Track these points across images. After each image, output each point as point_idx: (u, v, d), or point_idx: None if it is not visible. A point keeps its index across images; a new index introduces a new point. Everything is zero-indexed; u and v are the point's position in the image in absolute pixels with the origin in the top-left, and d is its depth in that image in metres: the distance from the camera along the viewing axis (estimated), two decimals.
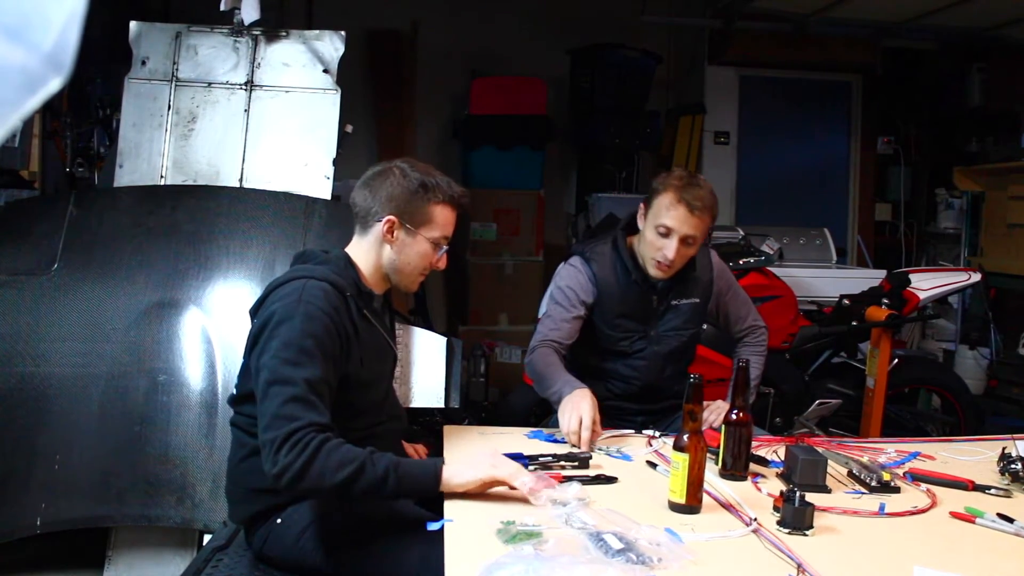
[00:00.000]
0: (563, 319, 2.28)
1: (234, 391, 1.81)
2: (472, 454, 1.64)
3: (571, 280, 2.31)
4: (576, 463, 1.77)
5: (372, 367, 1.78)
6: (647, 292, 2.31)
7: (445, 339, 2.71)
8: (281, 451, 1.52)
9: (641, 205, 2.27)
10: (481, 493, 1.57)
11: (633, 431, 2.12)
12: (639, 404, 2.36)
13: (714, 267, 2.40)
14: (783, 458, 1.81)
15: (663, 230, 2.16)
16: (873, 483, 1.69)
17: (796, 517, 1.45)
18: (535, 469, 1.66)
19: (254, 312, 1.76)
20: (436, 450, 1.97)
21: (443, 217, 1.82)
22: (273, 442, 1.53)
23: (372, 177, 1.82)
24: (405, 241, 1.80)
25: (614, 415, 2.32)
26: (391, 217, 1.78)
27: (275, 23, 3.12)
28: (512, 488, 1.55)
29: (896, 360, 3.44)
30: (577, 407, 1.96)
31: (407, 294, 4.55)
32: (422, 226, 1.80)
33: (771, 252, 3.91)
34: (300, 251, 1.89)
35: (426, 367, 2.67)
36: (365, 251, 1.82)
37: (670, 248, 2.16)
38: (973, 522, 1.54)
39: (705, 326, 2.82)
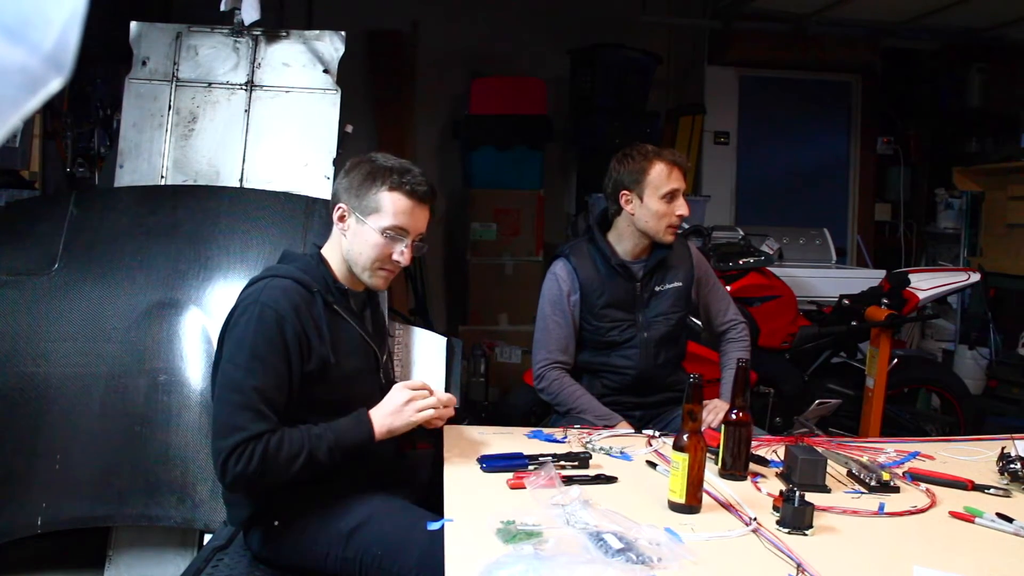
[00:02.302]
0: (558, 335, 2.37)
1: (212, 388, 1.82)
2: (387, 403, 1.76)
3: (554, 291, 2.39)
4: (576, 463, 1.77)
5: (348, 362, 1.78)
6: (629, 281, 2.38)
7: (445, 339, 2.71)
8: (229, 462, 1.59)
9: (624, 193, 2.34)
10: (481, 493, 1.57)
11: (633, 431, 2.13)
12: (636, 397, 2.39)
13: (692, 254, 2.49)
14: (783, 458, 1.81)
15: (670, 195, 2.31)
16: (873, 483, 1.69)
17: (796, 517, 1.45)
18: (535, 469, 1.66)
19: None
20: (435, 450, 1.97)
21: (394, 205, 1.75)
22: (220, 452, 1.59)
23: (344, 169, 1.84)
24: (356, 230, 1.78)
25: (613, 411, 2.35)
26: (341, 204, 1.79)
27: (275, 23, 3.12)
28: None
29: (896, 360, 3.44)
30: None
31: (407, 294, 4.57)
32: (371, 214, 1.76)
33: (771, 252, 3.92)
34: (284, 251, 1.90)
35: (426, 367, 2.67)
36: (333, 244, 1.84)
37: (682, 206, 2.33)
38: (972, 522, 1.54)
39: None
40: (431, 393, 1.76)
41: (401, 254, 1.78)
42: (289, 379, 1.67)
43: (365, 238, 1.77)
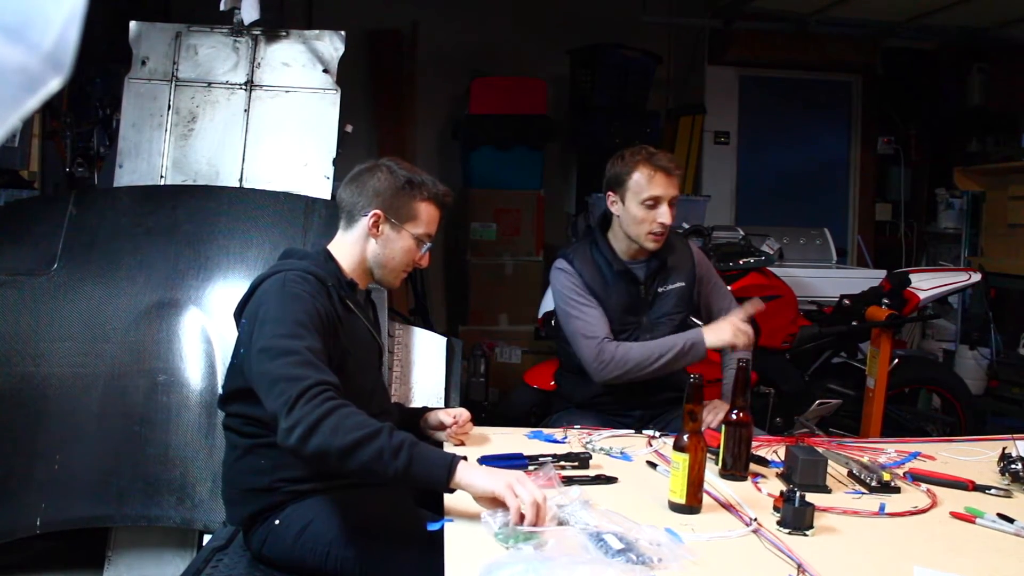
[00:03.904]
0: (594, 315, 2.28)
1: (221, 391, 1.82)
2: (499, 472, 1.51)
3: (567, 280, 2.34)
4: (576, 463, 1.77)
5: (357, 356, 1.79)
6: (632, 283, 2.36)
7: (445, 339, 2.71)
8: (296, 406, 1.46)
9: (609, 193, 2.33)
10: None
11: (633, 431, 2.12)
12: (637, 397, 2.38)
13: (694, 254, 2.46)
14: (783, 458, 1.81)
15: (651, 202, 2.26)
16: (873, 483, 1.69)
17: (796, 517, 1.45)
18: (535, 469, 1.66)
19: (239, 313, 1.77)
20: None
21: (428, 214, 1.86)
22: (287, 402, 1.47)
23: (358, 174, 1.87)
24: (390, 236, 1.84)
25: (614, 410, 2.37)
26: (377, 211, 1.82)
27: (275, 23, 3.12)
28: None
29: (896, 360, 3.44)
30: (721, 329, 2.26)
31: (407, 294, 4.57)
32: (407, 221, 1.84)
33: (771, 252, 3.91)
34: (286, 249, 1.91)
35: (426, 367, 2.67)
36: (349, 245, 1.85)
37: (664, 215, 2.26)
38: (973, 522, 1.54)
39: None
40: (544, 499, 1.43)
41: (422, 258, 1.88)
42: (326, 351, 1.64)
43: (401, 244, 1.85)
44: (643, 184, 2.25)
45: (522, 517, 1.38)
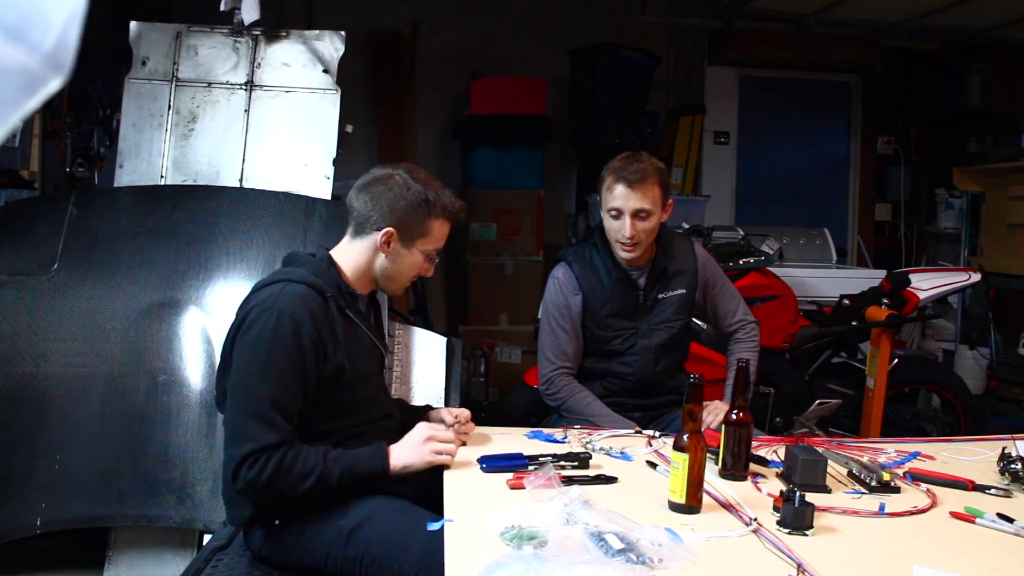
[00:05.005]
0: (564, 340, 2.34)
1: (215, 391, 1.83)
2: (408, 439, 1.76)
3: (557, 297, 2.35)
4: (576, 463, 1.77)
5: (356, 366, 1.79)
6: (631, 290, 2.35)
7: (445, 339, 2.71)
8: (241, 469, 1.60)
9: (597, 199, 2.34)
10: (481, 494, 1.56)
11: (633, 431, 2.12)
12: (636, 399, 2.38)
13: (698, 258, 2.43)
14: (783, 458, 1.81)
15: (614, 212, 2.25)
16: (873, 483, 1.69)
17: (796, 517, 1.45)
18: (535, 469, 1.66)
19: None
20: None
21: (440, 231, 1.85)
22: (233, 459, 1.61)
23: (373, 182, 1.82)
24: (400, 252, 1.82)
25: (614, 411, 2.34)
26: (390, 229, 1.79)
27: (275, 23, 3.12)
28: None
29: (896, 360, 3.44)
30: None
31: (407, 294, 4.57)
32: (419, 239, 1.82)
33: (771, 252, 3.91)
34: (288, 253, 1.90)
35: (426, 367, 2.67)
36: (356, 254, 1.83)
37: (625, 227, 2.22)
38: (973, 522, 1.54)
39: (705, 326, 2.82)
40: (455, 437, 1.79)
41: (428, 269, 1.88)
42: (304, 387, 1.68)
43: (411, 260, 1.84)
44: (607, 195, 2.25)
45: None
